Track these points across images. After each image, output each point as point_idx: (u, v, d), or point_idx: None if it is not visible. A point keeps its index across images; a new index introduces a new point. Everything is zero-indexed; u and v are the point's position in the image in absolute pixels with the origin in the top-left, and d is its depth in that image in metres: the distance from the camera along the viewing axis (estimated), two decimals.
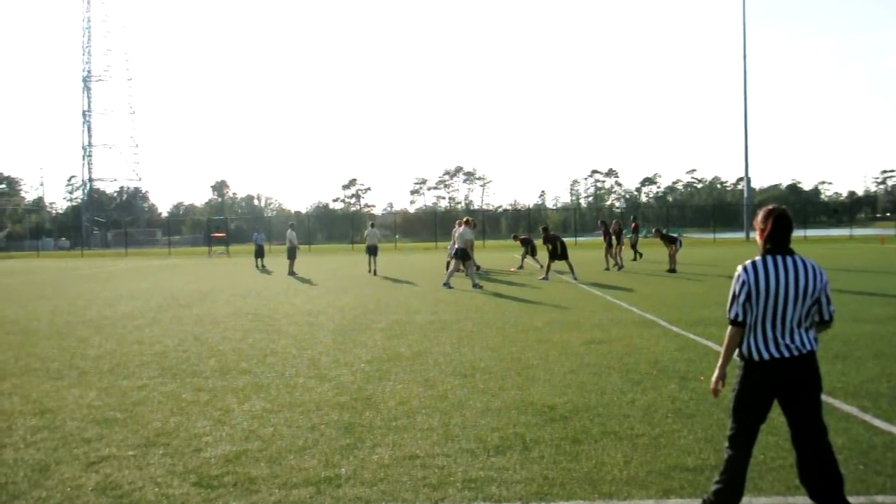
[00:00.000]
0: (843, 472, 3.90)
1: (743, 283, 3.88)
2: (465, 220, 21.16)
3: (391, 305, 15.33)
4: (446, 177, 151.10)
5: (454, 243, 21.32)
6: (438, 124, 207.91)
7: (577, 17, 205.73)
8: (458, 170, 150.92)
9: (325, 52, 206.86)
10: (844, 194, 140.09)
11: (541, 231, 22.68)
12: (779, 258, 3.86)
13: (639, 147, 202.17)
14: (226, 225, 75.41)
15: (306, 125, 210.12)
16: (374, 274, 25.58)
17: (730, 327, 3.96)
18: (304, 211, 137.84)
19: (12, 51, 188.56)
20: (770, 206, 3.99)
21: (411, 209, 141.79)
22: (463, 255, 19.78)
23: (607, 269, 24.90)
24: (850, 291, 15.81)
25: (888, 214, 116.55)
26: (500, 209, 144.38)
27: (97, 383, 8.06)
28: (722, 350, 4.06)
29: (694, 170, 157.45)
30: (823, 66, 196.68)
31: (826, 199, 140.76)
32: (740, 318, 3.91)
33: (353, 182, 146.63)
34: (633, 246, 30.41)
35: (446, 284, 19.22)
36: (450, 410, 6.54)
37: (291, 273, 26.88)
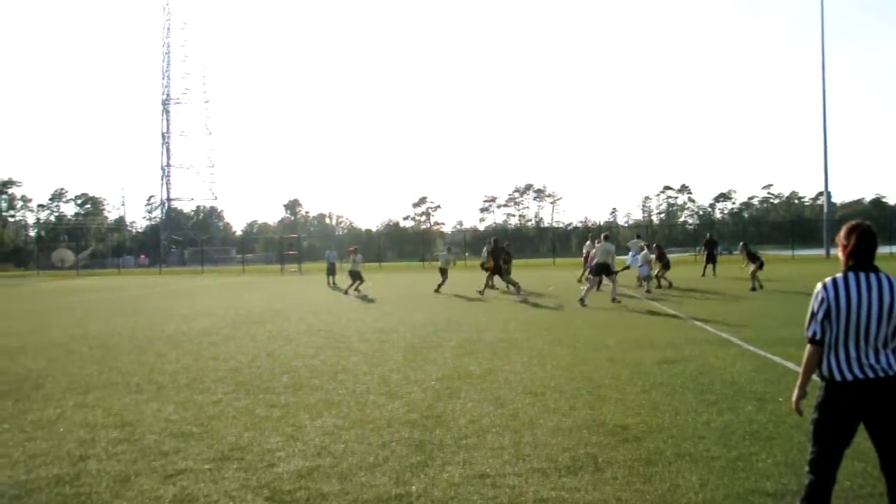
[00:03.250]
0: None
1: (822, 300, 3.76)
2: (604, 235, 21.27)
3: (461, 323, 15.33)
4: (516, 194, 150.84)
5: (592, 258, 21.22)
6: (508, 142, 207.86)
7: (650, 31, 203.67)
8: (528, 187, 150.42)
9: (396, 72, 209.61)
10: None
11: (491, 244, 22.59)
12: (861, 275, 3.72)
13: (713, 162, 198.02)
14: (298, 243, 76.59)
15: (377, 144, 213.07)
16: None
17: (808, 346, 3.84)
18: (374, 229, 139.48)
19: (96, 77, 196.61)
20: (853, 222, 3.86)
21: (481, 227, 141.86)
22: (605, 270, 19.74)
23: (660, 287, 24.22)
24: None
25: None
26: (571, 226, 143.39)
27: (174, 397, 8.27)
28: (801, 370, 3.93)
29: (770, 185, 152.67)
30: None
31: None
32: (818, 337, 3.78)
33: (423, 200, 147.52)
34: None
35: (581, 301, 18.62)
36: (520, 429, 6.48)
37: (347, 292, 26.45)
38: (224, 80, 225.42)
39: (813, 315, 3.80)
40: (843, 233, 3.85)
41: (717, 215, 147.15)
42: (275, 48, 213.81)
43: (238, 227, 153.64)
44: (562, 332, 13.36)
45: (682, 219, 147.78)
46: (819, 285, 3.82)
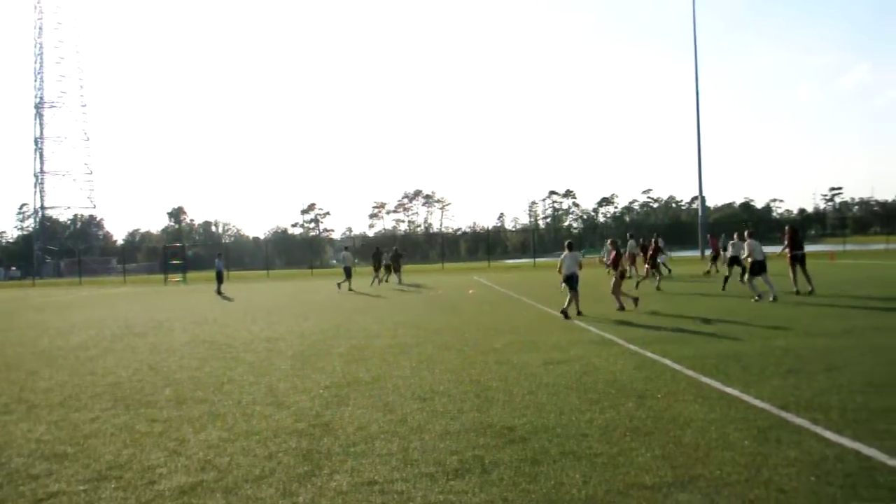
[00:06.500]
0: (795, 485, 3.95)
1: None
2: (749, 232, 20.03)
3: (351, 330, 15.23)
4: (405, 200, 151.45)
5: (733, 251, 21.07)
6: (397, 148, 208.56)
7: (533, 40, 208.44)
8: (418, 193, 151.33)
9: (280, 76, 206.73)
10: (795, 211, 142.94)
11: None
12: None
13: (596, 168, 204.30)
14: (183, 252, 74.15)
15: (264, 150, 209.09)
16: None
17: None
18: (262, 237, 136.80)
19: None
20: None
21: (370, 233, 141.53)
22: (763, 268, 18.84)
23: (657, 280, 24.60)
24: (802, 306, 16.11)
25: (837, 231, 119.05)
26: (460, 231, 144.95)
27: (47, 417, 7.86)
28: None
29: (650, 189, 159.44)
30: (774, 86, 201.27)
31: (777, 216, 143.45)
32: None
33: (311, 207, 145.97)
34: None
35: (775, 297, 17.79)
36: (409, 435, 6.50)
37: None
38: (102, 82, 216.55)
39: None
40: None
41: (601, 219, 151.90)
42: (156, 50, 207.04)
43: (119, 236, 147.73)
44: (450, 336, 13.47)
45: (567, 222, 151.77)
46: None
